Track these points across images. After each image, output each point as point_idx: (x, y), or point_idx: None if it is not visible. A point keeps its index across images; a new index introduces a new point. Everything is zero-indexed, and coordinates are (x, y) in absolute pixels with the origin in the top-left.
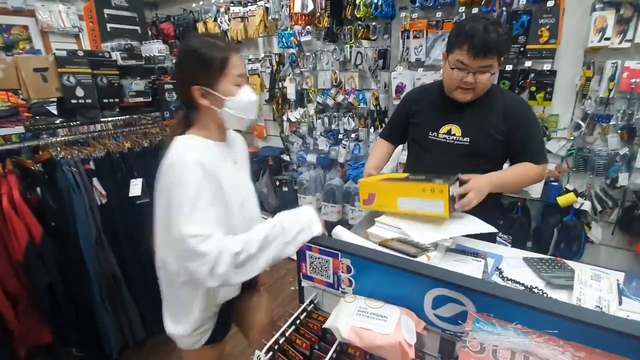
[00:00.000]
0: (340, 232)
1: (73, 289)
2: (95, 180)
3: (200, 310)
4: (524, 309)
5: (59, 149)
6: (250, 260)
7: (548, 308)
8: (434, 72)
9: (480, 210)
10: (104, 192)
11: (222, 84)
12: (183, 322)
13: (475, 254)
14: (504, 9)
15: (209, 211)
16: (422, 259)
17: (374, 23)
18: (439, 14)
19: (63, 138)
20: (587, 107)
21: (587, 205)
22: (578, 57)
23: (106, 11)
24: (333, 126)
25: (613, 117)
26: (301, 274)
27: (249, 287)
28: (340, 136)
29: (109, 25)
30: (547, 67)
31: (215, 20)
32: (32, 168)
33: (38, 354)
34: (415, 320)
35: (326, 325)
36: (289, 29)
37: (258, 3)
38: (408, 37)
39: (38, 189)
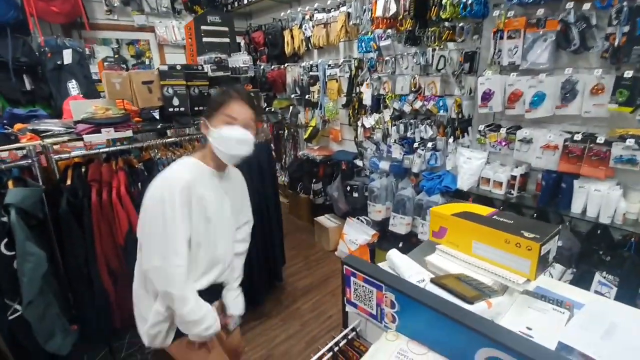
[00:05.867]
0: (394, 257)
1: None
2: None
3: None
4: None
5: (156, 150)
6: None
7: None
8: (530, 78)
9: None
10: None
11: (215, 119)
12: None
13: (559, 302)
14: (624, 3)
15: (182, 243)
16: (480, 305)
17: (461, 24)
18: (540, 11)
19: (160, 141)
20: None
21: None
22: None
23: (203, 27)
24: (409, 134)
25: None
26: (345, 298)
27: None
28: (416, 144)
29: (204, 39)
30: None
31: (300, 27)
32: (136, 167)
33: (131, 325)
34: None
35: None
36: (369, 33)
37: (340, 9)
38: (501, 38)
39: (139, 184)
